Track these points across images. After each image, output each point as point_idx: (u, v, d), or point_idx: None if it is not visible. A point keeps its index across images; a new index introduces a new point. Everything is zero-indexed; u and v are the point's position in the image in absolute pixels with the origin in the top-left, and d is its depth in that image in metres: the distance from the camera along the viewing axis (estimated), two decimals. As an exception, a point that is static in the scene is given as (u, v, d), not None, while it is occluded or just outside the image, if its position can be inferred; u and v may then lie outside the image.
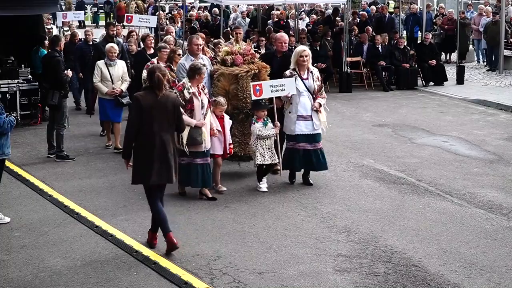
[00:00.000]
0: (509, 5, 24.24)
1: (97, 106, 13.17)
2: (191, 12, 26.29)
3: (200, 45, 10.35)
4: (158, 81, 7.39)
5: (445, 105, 16.89)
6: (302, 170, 10.11)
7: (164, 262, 7.31)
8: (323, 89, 10.09)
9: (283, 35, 10.93)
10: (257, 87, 9.64)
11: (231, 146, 9.94)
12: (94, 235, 8.20)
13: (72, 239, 8.08)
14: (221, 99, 9.73)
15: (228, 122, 9.84)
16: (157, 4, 27.27)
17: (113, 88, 12.07)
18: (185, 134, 8.90)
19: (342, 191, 9.82)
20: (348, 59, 18.90)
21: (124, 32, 18.16)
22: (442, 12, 24.60)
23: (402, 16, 23.94)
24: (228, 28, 22.25)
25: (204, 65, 9.38)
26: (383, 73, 19.43)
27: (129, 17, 18.44)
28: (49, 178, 10.57)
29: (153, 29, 23.56)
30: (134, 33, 15.96)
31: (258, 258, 7.47)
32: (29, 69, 14.67)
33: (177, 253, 7.55)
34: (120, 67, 12.29)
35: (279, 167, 10.14)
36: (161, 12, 25.81)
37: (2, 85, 14.00)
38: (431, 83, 19.48)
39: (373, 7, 25.68)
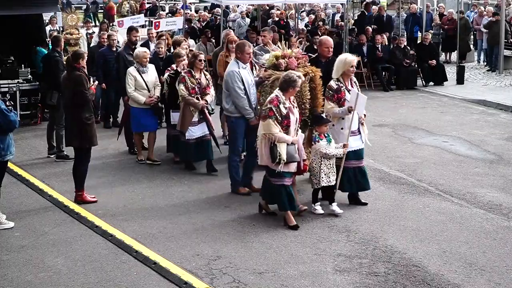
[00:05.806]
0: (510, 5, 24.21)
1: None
2: (189, 11, 26.29)
3: (252, 53, 9.71)
4: (67, 62, 9.33)
5: (445, 105, 16.88)
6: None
7: (164, 262, 7.31)
8: None
9: (328, 40, 10.05)
10: None
11: (306, 162, 8.72)
12: (94, 235, 8.20)
13: (72, 239, 8.08)
14: None
15: (300, 135, 8.68)
16: (158, 4, 27.34)
17: (149, 96, 11.14)
18: (283, 151, 8.21)
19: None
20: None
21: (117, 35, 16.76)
22: (442, 12, 24.58)
23: (402, 16, 23.91)
24: (228, 28, 22.27)
25: (299, 76, 8.47)
26: (383, 73, 19.41)
27: (157, 23, 16.61)
28: (49, 178, 10.57)
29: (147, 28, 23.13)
30: (165, 36, 14.17)
31: (258, 258, 7.47)
32: (29, 69, 14.65)
33: (177, 253, 7.56)
34: (152, 73, 11.34)
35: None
36: (161, 12, 25.84)
37: (2, 85, 13.99)
38: (431, 83, 19.47)
39: (374, 7, 25.64)
